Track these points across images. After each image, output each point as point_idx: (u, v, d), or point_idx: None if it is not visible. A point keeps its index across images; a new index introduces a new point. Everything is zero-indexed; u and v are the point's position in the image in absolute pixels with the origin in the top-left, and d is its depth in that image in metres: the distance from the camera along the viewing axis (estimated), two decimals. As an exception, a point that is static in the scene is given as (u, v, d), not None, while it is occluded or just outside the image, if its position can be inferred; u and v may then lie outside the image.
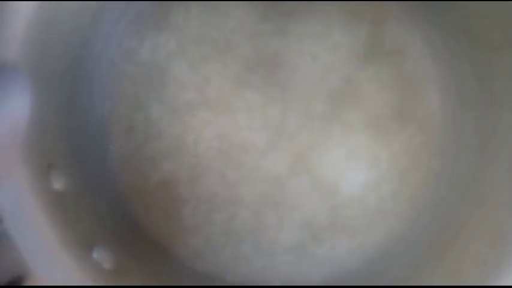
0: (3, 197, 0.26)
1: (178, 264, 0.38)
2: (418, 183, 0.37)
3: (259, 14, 0.38)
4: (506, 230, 0.30)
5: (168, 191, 0.38)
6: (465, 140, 0.35)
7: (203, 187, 0.38)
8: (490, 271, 0.29)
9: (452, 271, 0.32)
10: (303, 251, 0.38)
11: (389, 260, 0.37)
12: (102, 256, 0.32)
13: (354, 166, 0.37)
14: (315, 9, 0.38)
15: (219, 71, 0.38)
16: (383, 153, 0.37)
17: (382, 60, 0.37)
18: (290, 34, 0.37)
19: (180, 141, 0.38)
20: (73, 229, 0.30)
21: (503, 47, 0.31)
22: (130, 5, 0.37)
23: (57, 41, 0.31)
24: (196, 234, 0.38)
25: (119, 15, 0.37)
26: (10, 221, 0.27)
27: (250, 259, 0.38)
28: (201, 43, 0.38)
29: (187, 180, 0.38)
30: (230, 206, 0.38)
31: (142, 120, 0.38)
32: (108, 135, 0.37)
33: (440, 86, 0.37)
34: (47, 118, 0.31)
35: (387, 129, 0.37)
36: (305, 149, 0.38)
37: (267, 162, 0.38)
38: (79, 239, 0.30)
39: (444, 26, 0.35)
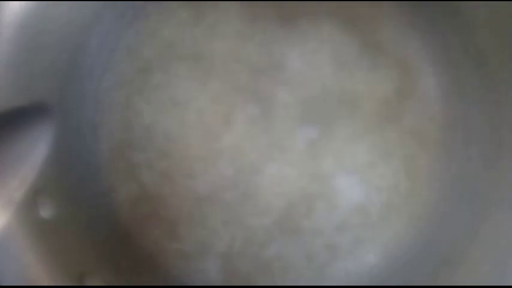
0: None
1: (178, 284, 0.37)
2: (422, 200, 0.36)
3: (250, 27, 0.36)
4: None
5: (164, 209, 0.36)
6: (470, 153, 0.34)
7: (200, 207, 0.36)
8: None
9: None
10: (309, 273, 0.36)
11: (392, 278, 0.35)
12: (94, 285, 0.30)
13: (355, 183, 0.36)
14: (312, 21, 0.36)
15: (217, 85, 0.36)
16: (385, 169, 0.36)
17: (381, 71, 0.36)
18: (282, 45, 0.36)
19: (176, 159, 0.36)
20: (62, 259, 0.28)
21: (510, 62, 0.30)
22: (126, 13, 0.36)
23: (48, 45, 0.30)
24: (196, 253, 0.36)
25: (116, 19, 0.36)
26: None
27: (252, 280, 0.37)
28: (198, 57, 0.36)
29: (184, 200, 0.36)
30: (230, 227, 0.36)
31: (135, 135, 0.37)
32: (100, 151, 0.36)
33: (443, 99, 0.36)
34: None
35: (388, 145, 0.36)
36: (307, 170, 0.36)
37: (265, 181, 0.36)
38: (69, 269, 0.29)
39: (447, 37, 0.34)
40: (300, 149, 0.36)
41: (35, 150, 0.22)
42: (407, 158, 0.36)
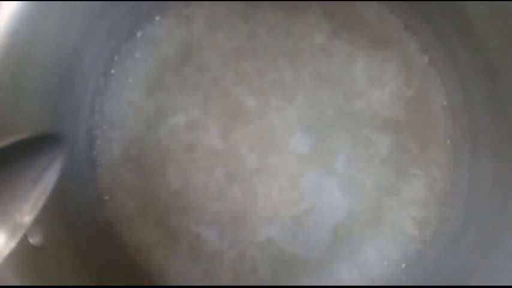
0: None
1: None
2: (427, 219, 0.35)
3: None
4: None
5: (162, 226, 0.36)
6: (477, 177, 0.33)
7: (195, 221, 0.36)
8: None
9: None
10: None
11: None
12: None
13: (352, 197, 0.35)
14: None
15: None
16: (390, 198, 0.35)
17: (387, 87, 0.35)
18: (298, 61, 0.36)
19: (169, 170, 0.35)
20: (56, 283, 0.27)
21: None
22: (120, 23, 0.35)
23: (44, 54, 0.28)
24: (188, 264, 0.36)
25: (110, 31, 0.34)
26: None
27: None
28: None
29: (182, 216, 0.36)
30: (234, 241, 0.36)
31: (129, 154, 0.36)
32: (92, 172, 0.35)
33: (450, 118, 0.35)
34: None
35: (398, 169, 0.35)
36: (304, 177, 0.36)
37: (260, 191, 0.36)
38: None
39: (454, 49, 0.32)
40: (296, 158, 0.35)
41: (46, 176, 0.23)
42: (413, 176, 0.35)
